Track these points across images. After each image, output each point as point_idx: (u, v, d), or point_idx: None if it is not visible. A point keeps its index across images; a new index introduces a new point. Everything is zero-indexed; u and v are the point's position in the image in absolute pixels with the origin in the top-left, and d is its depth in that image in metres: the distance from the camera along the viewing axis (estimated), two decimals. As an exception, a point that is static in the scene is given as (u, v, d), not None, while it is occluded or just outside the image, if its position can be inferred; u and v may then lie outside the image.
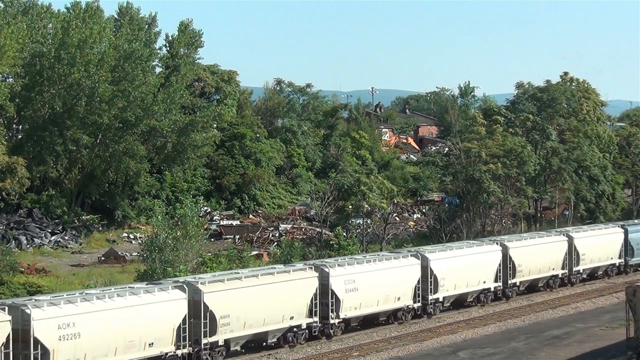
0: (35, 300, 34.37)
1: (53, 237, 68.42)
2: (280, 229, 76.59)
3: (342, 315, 44.78)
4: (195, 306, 38.34)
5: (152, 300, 37.05)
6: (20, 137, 74.36)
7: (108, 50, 73.22)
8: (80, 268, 60.60)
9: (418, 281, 48.81)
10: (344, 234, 64.34)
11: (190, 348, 38.23)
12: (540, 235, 60.91)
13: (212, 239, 70.26)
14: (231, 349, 40.07)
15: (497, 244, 55.35)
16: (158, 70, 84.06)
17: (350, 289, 45.08)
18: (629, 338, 38.76)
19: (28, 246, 65.97)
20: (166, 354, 37.28)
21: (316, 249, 64.01)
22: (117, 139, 73.97)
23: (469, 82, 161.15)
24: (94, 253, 66.62)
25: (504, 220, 74.58)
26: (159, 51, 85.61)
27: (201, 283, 38.93)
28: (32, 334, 32.67)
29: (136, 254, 62.98)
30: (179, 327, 37.73)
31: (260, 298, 40.96)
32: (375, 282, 46.40)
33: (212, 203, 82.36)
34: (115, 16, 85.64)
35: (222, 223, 77.83)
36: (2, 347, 31.98)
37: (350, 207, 68.20)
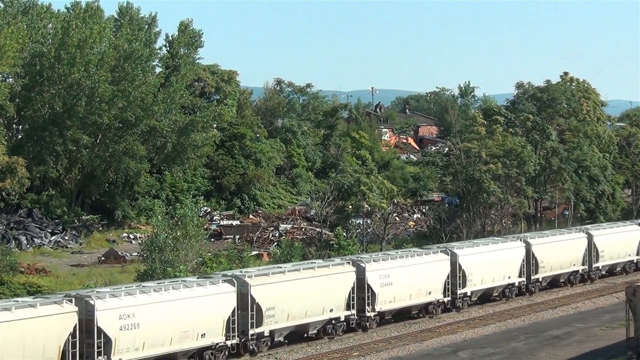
0: (97, 292, 36.04)
1: (53, 237, 68.41)
2: (280, 229, 76.60)
3: (377, 308, 46.51)
4: (243, 299, 40.00)
5: (204, 293, 38.76)
6: (20, 137, 74.36)
7: (108, 50, 73.21)
8: (80, 268, 60.59)
9: (448, 276, 50.70)
10: (344, 234, 64.36)
11: (238, 339, 39.81)
12: (561, 233, 62.71)
13: (212, 239, 70.27)
14: (275, 339, 41.78)
15: (520, 240, 57.03)
16: (158, 70, 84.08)
17: (385, 283, 46.76)
18: (629, 338, 38.74)
19: (28, 246, 65.97)
20: (216, 344, 38.97)
21: (316, 249, 64.02)
22: (117, 139, 73.96)
23: (469, 82, 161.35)
24: (94, 253, 66.61)
25: (504, 220, 74.57)
26: (159, 51, 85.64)
27: (248, 276, 40.87)
28: (95, 324, 34.36)
29: (136, 254, 62.98)
30: (228, 319, 39.41)
31: (302, 291, 42.76)
32: (408, 277, 48.19)
33: (212, 203, 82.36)
34: (115, 16, 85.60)
35: (222, 223, 77.83)
36: (70, 337, 33.51)
37: (350, 207, 68.21)
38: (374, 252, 52.96)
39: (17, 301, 34.25)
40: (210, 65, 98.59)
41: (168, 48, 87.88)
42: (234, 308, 39.59)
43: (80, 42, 71.33)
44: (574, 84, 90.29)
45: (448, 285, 50.70)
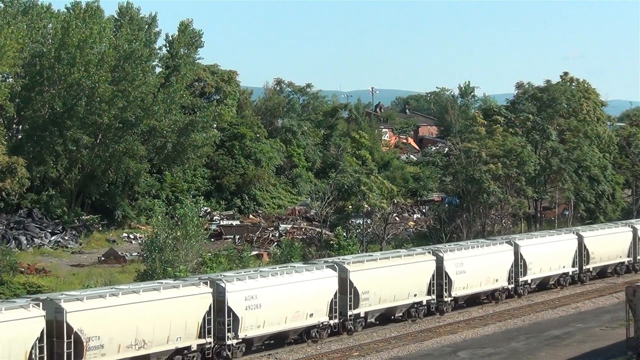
0: (224, 275, 40.55)
1: (53, 237, 68.38)
2: (280, 229, 76.59)
3: (453, 294, 51.12)
4: (342, 283, 44.53)
5: (312, 277, 43.51)
6: (20, 137, 74.32)
7: (108, 50, 73.20)
8: (80, 268, 60.57)
9: (512, 265, 55.25)
10: (344, 234, 64.31)
11: (337, 319, 44.32)
12: (609, 227, 65.88)
13: (212, 239, 70.26)
14: (368, 320, 46.20)
15: (573, 233, 61.89)
16: (158, 70, 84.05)
17: (459, 271, 51.47)
18: (629, 338, 38.75)
19: (28, 246, 65.94)
20: (321, 323, 43.72)
21: (316, 249, 64.02)
22: (117, 139, 73.95)
23: (469, 82, 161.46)
24: (94, 253, 66.58)
25: (504, 221, 74.56)
26: (159, 51, 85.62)
27: (347, 263, 45.38)
28: (226, 304, 39.23)
29: (136, 254, 62.96)
30: (331, 301, 43.96)
31: (392, 277, 46.96)
32: (479, 265, 52.71)
33: (212, 203, 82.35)
34: (115, 16, 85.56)
35: (222, 223, 77.81)
36: (206, 314, 38.44)
37: (350, 207, 68.22)
38: (451, 243, 58.49)
39: (162, 282, 39.04)
40: (210, 65, 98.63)
41: (168, 48, 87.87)
42: (336, 291, 44.18)
43: (80, 42, 71.31)
44: (574, 84, 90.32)
45: (511, 273, 55.14)
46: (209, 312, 38.60)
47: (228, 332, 39.32)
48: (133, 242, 71.68)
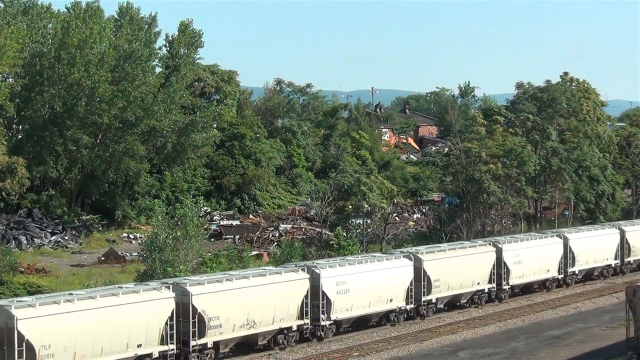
0: (317, 263, 45.38)
1: (53, 237, 68.36)
2: (280, 229, 76.57)
3: (510, 282, 55.38)
4: (417, 271, 48.89)
5: (391, 266, 47.85)
6: (20, 137, 74.29)
7: (108, 50, 73.18)
8: (80, 268, 60.55)
9: (561, 257, 59.59)
10: (344, 234, 64.29)
11: (412, 304, 48.62)
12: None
13: (212, 239, 70.23)
14: (438, 306, 50.56)
15: (616, 227, 65.93)
16: (158, 70, 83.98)
17: (516, 262, 55.64)
18: (629, 338, 38.77)
19: (28, 246, 65.93)
20: (399, 307, 47.97)
21: (316, 249, 63.99)
22: (117, 139, 73.93)
23: (469, 82, 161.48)
24: (94, 253, 66.57)
25: (504, 221, 74.56)
26: (159, 51, 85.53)
27: (420, 253, 49.74)
28: (321, 288, 43.57)
29: (136, 254, 62.95)
30: (407, 287, 48.26)
31: (458, 266, 51.31)
32: (533, 256, 56.88)
33: (212, 203, 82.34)
34: (115, 16, 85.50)
35: (222, 223, 77.79)
36: (304, 298, 42.73)
37: (350, 207, 68.19)
38: (507, 235, 62.21)
39: (265, 269, 43.55)
40: (210, 65, 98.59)
41: (168, 48, 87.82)
42: (412, 279, 48.44)
43: (80, 42, 71.28)
44: (574, 84, 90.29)
45: (561, 264, 59.58)
46: (306, 296, 42.90)
47: (322, 314, 43.71)
48: (133, 242, 71.67)
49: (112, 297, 36.04)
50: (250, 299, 40.41)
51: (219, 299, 39.03)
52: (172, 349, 37.45)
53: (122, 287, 37.66)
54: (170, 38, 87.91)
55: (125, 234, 73.71)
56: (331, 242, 64.61)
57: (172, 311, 37.24)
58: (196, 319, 38.01)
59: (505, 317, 50.69)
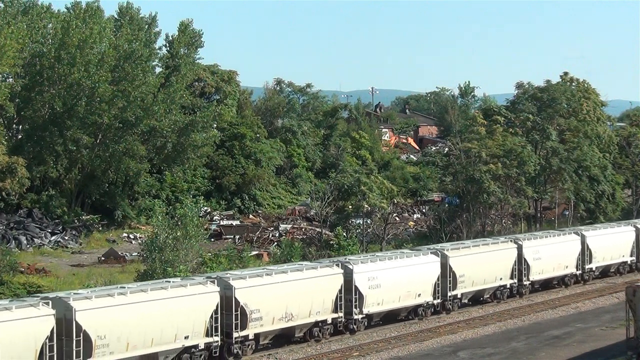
0: (350, 259, 46.26)
1: (53, 237, 68.35)
2: (280, 229, 76.56)
3: (531, 278, 57.08)
4: (443, 267, 50.21)
5: (420, 262, 49.26)
6: (20, 137, 74.26)
7: (108, 50, 73.17)
8: (80, 268, 60.53)
9: (579, 253, 61.22)
10: (344, 234, 64.29)
11: (439, 299, 50.02)
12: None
13: (212, 239, 70.23)
14: (462, 301, 52.23)
15: (632, 225, 67.26)
16: (158, 70, 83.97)
17: (536, 258, 57.19)
18: (629, 338, 38.73)
19: (28, 246, 65.92)
20: (427, 302, 49.27)
21: (316, 249, 63.98)
22: (117, 139, 73.92)
23: (469, 82, 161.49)
24: (94, 253, 66.55)
25: (504, 221, 74.55)
26: (159, 51, 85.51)
27: (446, 250, 51.23)
28: (353, 283, 44.89)
29: (136, 254, 62.93)
30: (434, 283, 49.62)
31: (482, 262, 52.71)
32: (552, 253, 58.65)
33: (212, 203, 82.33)
34: (115, 16, 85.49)
35: (222, 223, 77.78)
36: (338, 292, 43.97)
37: (350, 207, 68.17)
38: (527, 233, 64.62)
39: (302, 264, 45.09)
40: (210, 65, 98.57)
41: (168, 48, 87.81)
42: (438, 275, 49.71)
43: (80, 42, 71.27)
44: (573, 84, 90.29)
45: (579, 261, 61.04)
46: (340, 290, 44.11)
47: (355, 308, 44.93)
48: (133, 242, 71.66)
49: (161, 290, 37.33)
50: (289, 292, 41.71)
51: (259, 293, 40.35)
52: (217, 341, 38.90)
53: (169, 282, 38.82)
54: (170, 38, 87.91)
55: (125, 234, 73.70)
56: (331, 242, 64.61)
57: (217, 304, 38.73)
58: (239, 312, 39.43)
59: (505, 317, 50.66)
